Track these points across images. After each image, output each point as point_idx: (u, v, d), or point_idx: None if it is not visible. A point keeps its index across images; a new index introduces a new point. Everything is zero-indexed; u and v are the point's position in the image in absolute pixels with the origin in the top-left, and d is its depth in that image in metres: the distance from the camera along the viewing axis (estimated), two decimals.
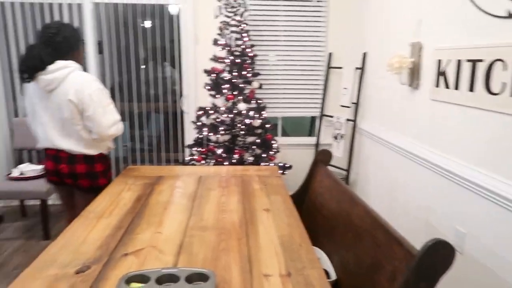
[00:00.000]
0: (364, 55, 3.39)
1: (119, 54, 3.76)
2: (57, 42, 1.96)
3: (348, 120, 3.46)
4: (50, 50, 1.94)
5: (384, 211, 2.91)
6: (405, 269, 1.21)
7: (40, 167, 3.20)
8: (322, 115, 3.75)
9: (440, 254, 1.14)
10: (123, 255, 1.27)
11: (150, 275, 1.09)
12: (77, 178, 2.10)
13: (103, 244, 1.34)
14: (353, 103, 3.46)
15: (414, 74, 2.45)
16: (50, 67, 1.91)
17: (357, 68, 3.44)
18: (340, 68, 3.61)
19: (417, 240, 1.36)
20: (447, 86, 2.11)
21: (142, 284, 1.06)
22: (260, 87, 3.26)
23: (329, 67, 3.66)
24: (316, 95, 3.76)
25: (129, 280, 1.07)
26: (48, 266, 1.19)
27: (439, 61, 2.17)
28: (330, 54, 3.65)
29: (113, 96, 3.62)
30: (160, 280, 1.08)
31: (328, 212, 1.97)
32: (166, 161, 4.11)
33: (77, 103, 1.94)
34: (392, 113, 2.85)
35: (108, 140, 2.11)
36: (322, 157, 2.27)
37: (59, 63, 1.93)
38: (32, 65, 1.89)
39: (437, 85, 2.20)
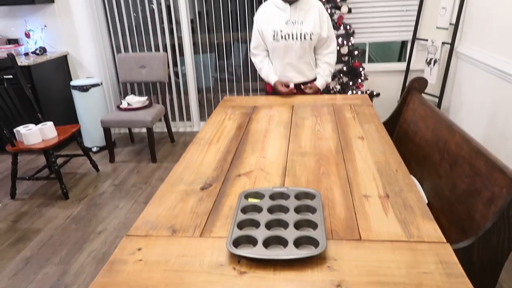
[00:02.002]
0: None
1: None
2: None
3: (443, 43, 3.23)
4: None
5: (479, 139, 2.80)
6: (506, 195, 1.24)
7: (144, 98, 3.55)
8: (415, 39, 3.53)
9: None
10: (237, 175, 1.46)
11: (264, 193, 1.26)
12: None
13: (218, 166, 1.55)
14: (451, 24, 3.19)
15: None
16: None
17: None
18: None
19: None
20: None
21: (258, 200, 1.24)
22: (349, 11, 3.14)
23: None
24: (409, 17, 3.52)
25: (247, 196, 1.26)
26: (178, 183, 1.42)
27: None
28: None
29: (195, 27, 3.77)
30: (273, 197, 1.25)
31: (421, 140, 1.98)
32: (252, 91, 4.27)
33: None
34: (499, 35, 2.60)
35: None
36: (417, 84, 2.22)
37: None
38: None
39: None
